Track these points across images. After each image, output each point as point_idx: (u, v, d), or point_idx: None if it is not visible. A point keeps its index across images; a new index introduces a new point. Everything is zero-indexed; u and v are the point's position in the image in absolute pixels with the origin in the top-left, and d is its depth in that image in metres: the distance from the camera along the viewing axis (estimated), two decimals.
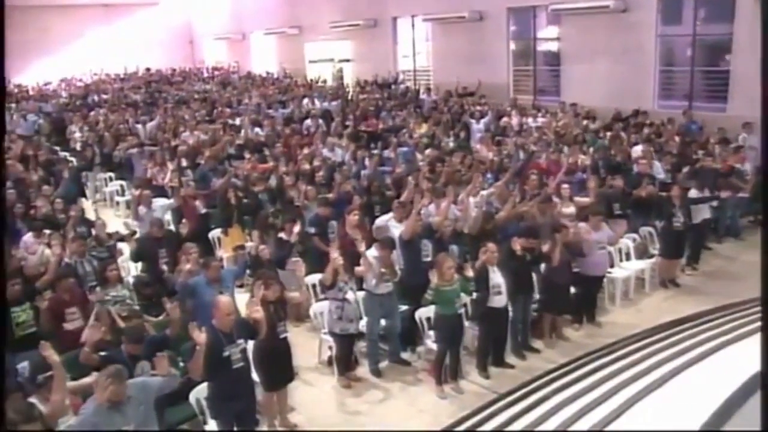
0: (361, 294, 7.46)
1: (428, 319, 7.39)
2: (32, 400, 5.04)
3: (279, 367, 6.30)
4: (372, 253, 7.29)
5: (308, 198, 9.96)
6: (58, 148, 16.08)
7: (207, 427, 5.93)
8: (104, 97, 22.67)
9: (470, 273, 7.11)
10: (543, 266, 7.98)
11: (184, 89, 24.05)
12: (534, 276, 7.91)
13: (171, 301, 6.86)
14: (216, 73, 28.78)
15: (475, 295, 7.26)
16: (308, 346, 7.76)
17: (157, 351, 5.52)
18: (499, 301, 7.13)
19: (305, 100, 19.85)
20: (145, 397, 4.96)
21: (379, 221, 8.92)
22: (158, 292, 7.99)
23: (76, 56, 29.29)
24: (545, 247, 7.69)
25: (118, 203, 13.88)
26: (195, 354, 5.44)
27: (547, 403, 6.34)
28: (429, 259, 7.78)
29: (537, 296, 8.05)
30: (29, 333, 6.74)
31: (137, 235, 9.26)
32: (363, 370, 7.52)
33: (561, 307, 8.09)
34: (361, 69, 24.26)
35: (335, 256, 6.94)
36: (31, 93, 24.81)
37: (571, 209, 9.40)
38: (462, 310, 7.12)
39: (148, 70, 28.65)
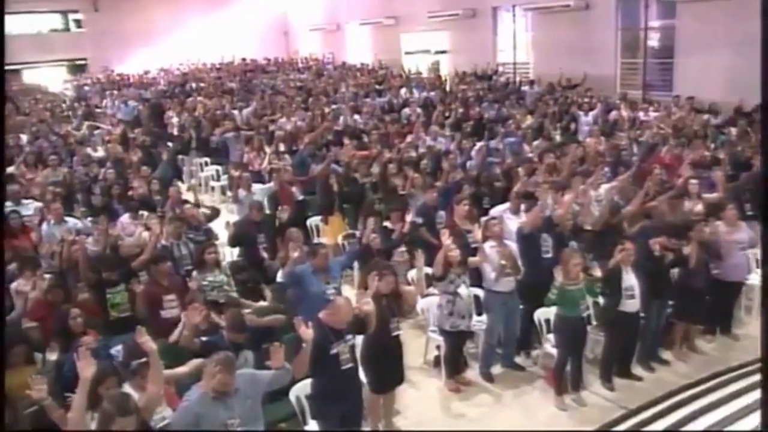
0: (475, 290, 6.78)
1: (547, 321, 6.70)
2: (126, 388, 4.64)
3: (389, 368, 5.73)
4: (489, 244, 6.63)
5: (414, 186, 9.42)
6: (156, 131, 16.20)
7: (307, 428, 5.43)
8: (201, 85, 22.81)
9: (598, 273, 6.35)
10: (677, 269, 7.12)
11: (279, 78, 23.93)
12: None
13: (270, 289, 6.45)
14: (311, 63, 28.60)
15: (602, 297, 6.51)
16: (413, 345, 7.07)
17: (262, 340, 5.07)
18: (631, 305, 6.34)
19: (402, 90, 19.34)
20: (253, 391, 4.50)
21: (494, 212, 8.24)
22: (254, 277, 7.64)
23: (175, 46, 29.76)
24: (686, 249, 6.83)
25: (213, 188, 13.72)
26: (301, 350, 4.90)
27: (693, 425, 5.52)
28: (549, 255, 7.01)
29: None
30: (125, 316, 6.53)
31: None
32: (473, 373, 6.88)
33: (697, 315, 7.17)
34: (458, 61, 23.46)
35: (448, 243, 6.27)
36: (131, 81, 25.28)
37: (698, 207, 8.49)
38: (586, 314, 6.40)
39: (243, 60, 28.77)
